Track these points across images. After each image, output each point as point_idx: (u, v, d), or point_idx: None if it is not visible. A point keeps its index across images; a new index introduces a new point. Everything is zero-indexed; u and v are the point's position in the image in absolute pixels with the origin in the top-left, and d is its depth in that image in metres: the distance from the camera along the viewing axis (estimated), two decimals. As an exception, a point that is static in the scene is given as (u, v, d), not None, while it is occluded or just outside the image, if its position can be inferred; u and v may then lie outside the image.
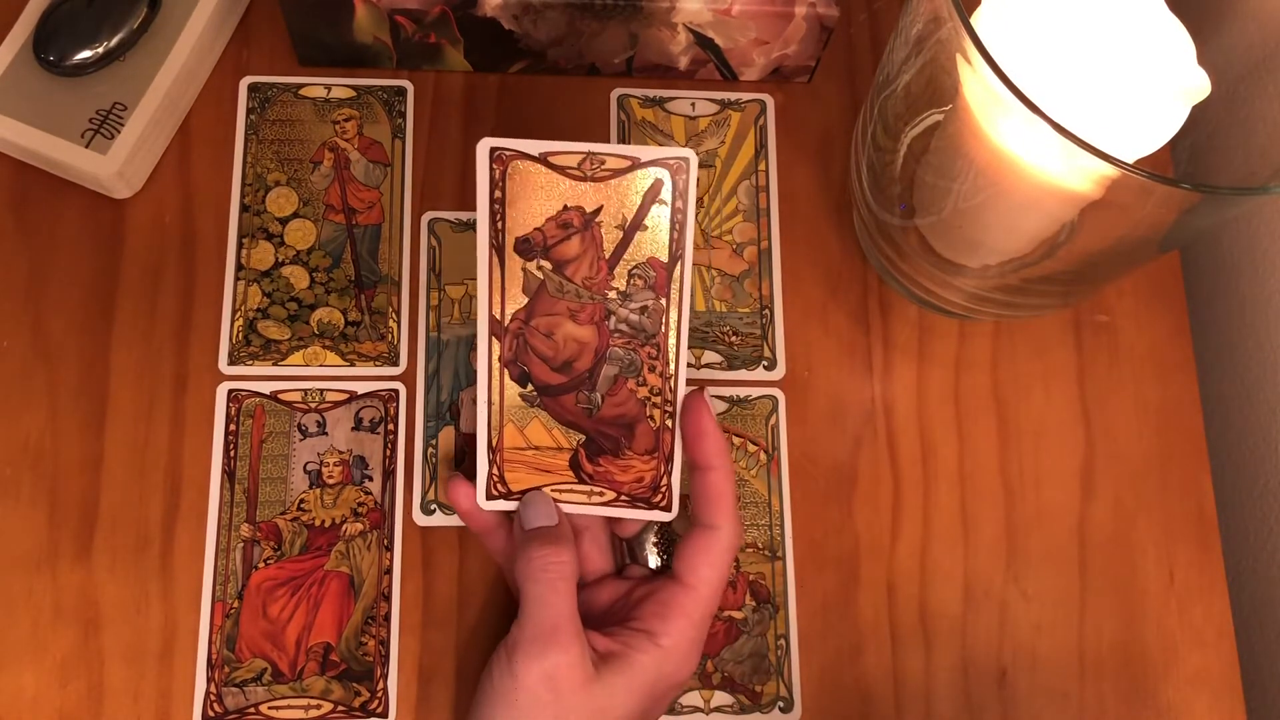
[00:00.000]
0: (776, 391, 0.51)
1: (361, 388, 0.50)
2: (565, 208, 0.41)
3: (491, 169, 0.40)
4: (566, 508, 0.44)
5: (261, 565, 0.47)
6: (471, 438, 0.49)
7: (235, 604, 0.47)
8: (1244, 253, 0.57)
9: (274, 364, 0.49)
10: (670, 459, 0.43)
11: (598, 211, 0.41)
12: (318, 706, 0.46)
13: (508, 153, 0.40)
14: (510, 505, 0.44)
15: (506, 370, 0.42)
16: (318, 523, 0.48)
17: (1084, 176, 0.36)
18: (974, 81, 0.38)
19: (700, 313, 0.52)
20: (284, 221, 0.51)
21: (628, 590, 0.44)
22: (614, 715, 0.40)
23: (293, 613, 0.47)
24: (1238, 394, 0.58)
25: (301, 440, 0.49)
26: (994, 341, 0.53)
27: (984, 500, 0.51)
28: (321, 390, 0.49)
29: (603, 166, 0.40)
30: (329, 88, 0.54)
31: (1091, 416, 0.52)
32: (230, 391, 0.49)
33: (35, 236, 0.51)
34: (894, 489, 0.50)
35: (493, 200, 0.40)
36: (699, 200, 0.53)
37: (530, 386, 0.43)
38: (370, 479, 0.48)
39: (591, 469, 0.43)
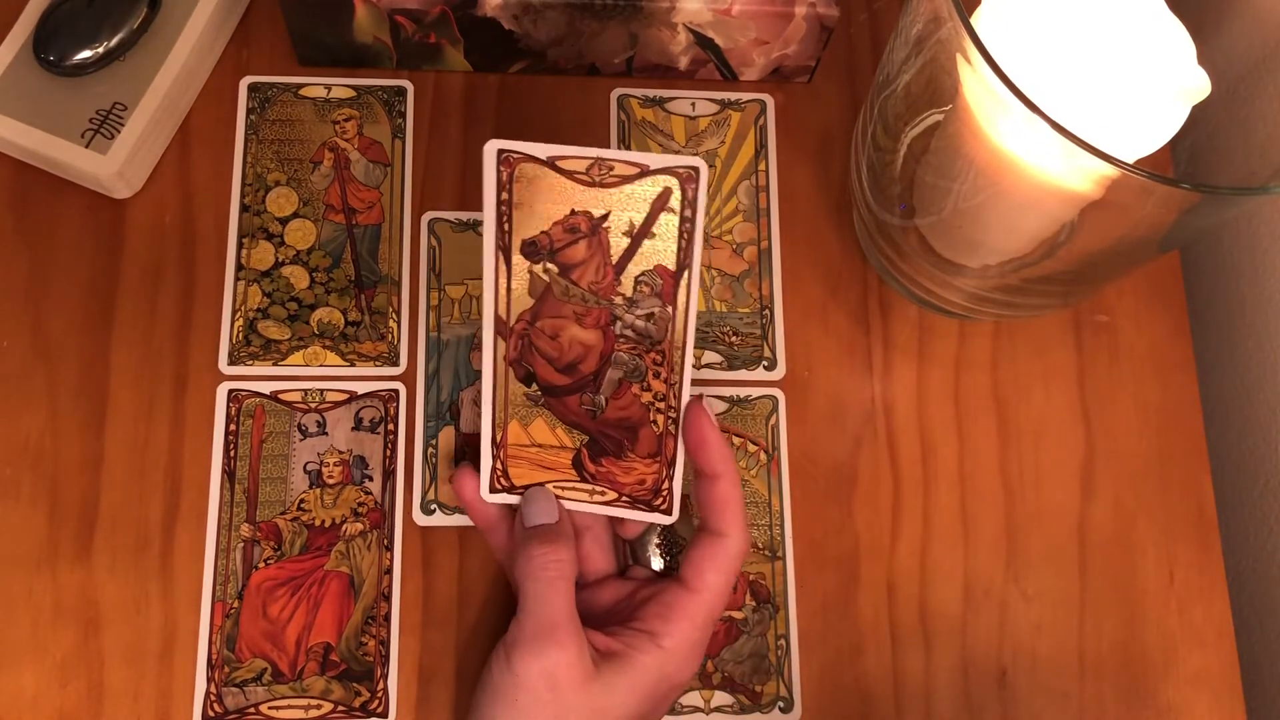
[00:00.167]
0: (776, 391, 0.51)
1: (361, 388, 0.50)
2: (572, 212, 0.41)
3: (499, 171, 0.40)
4: (568, 505, 0.44)
5: (261, 565, 0.47)
6: (471, 437, 0.49)
7: (235, 604, 0.47)
8: (1244, 253, 0.57)
9: (274, 364, 0.49)
10: (672, 463, 0.43)
11: (605, 217, 0.41)
12: (318, 706, 0.46)
13: (515, 155, 0.40)
14: (513, 499, 0.44)
15: (512, 369, 0.43)
16: (318, 523, 0.48)
17: (1084, 176, 0.36)
18: (974, 81, 0.38)
19: (700, 313, 0.52)
20: (284, 221, 0.51)
21: (631, 591, 0.44)
22: (614, 714, 0.40)
23: (293, 613, 0.47)
24: (1238, 394, 0.58)
25: (301, 440, 0.49)
26: (994, 341, 0.53)
27: (984, 500, 0.51)
28: (321, 390, 0.49)
29: (611, 173, 0.40)
30: (329, 88, 0.54)
31: (1091, 416, 0.52)
32: (230, 391, 0.49)
33: (35, 236, 0.51)
34: (894, 489, 0.50)
35: (499, 202, 0.40)
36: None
37: (535, 386, 0.43)
38: (370, 479, 0.48)
39: (594, 469, 0.43)
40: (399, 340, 0.50)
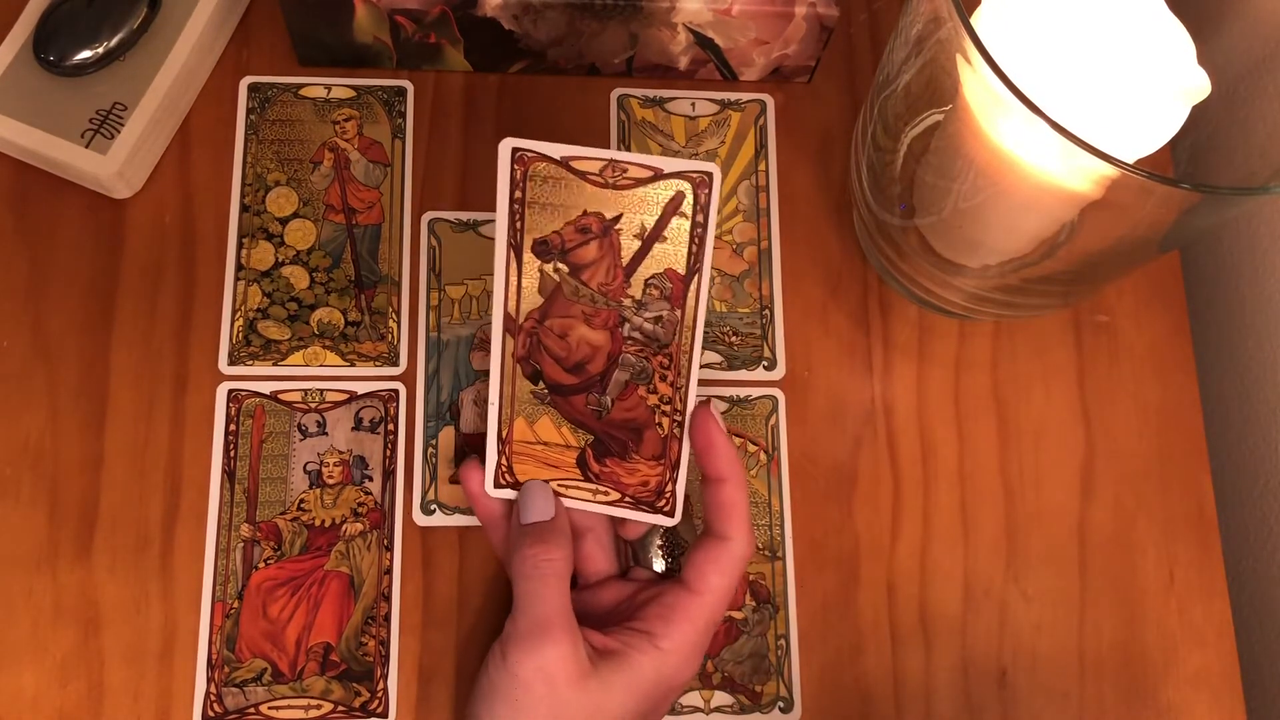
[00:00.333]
0: (776, 391, 0.51)
1: (361, 388, 0.50)
2: (585, 213, 0.41)
3: (513, 169, 0.40)
4: (571, 504, 0.44)
5: (261, 565, 0.47)
6: (471, 437, 0.49)
7: (235, 604, 0.47)
8: (1244, 253, 0.57)
9: (274, 364, 0.49)
10: (676, 466, 0.43)
11: (617, 219, 0.41)
12: (318, 706, 0.46)
13: (530, 154, 0.40)
14: (516, 495, 0.44)
15: (519, 366, 0.43)
16: (318, 523, 0.48)
17: (1084, 176, 0.36)
18: (974, 81, 0.38)
19: (700, 313, 0.52)
20: (284, 221, 0.51)
21: (632, 593, 0.44)
22: (611, 712, 0.40)
23: (293, 613, 0.47)
24: (1238, 394, 0.58)
25: (301, 440, 0.49)
26: (994, 341, 0.53)
27: (984, 500, 0.51)
28: (321, 390, 0.49)
29: (624, 175, 0.40)
30: (329, 88, 0.54)
31: (1091, 416, 0.52)
32: (230, 391, 0.49)
33: (35, 236, 0.51)
34: (894, 489, 0.50)
35: (513, 200, 0.40)
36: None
37: (541, 384, 0.43)
38: (370, 479, 0.48)
39: (598, 469, 0.43)
40: (399, 340, 0.50)
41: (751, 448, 0.50)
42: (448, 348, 0.50)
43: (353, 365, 0.50)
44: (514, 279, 0.41)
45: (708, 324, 0.52)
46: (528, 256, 0.41)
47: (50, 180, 0.51)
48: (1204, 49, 0.42)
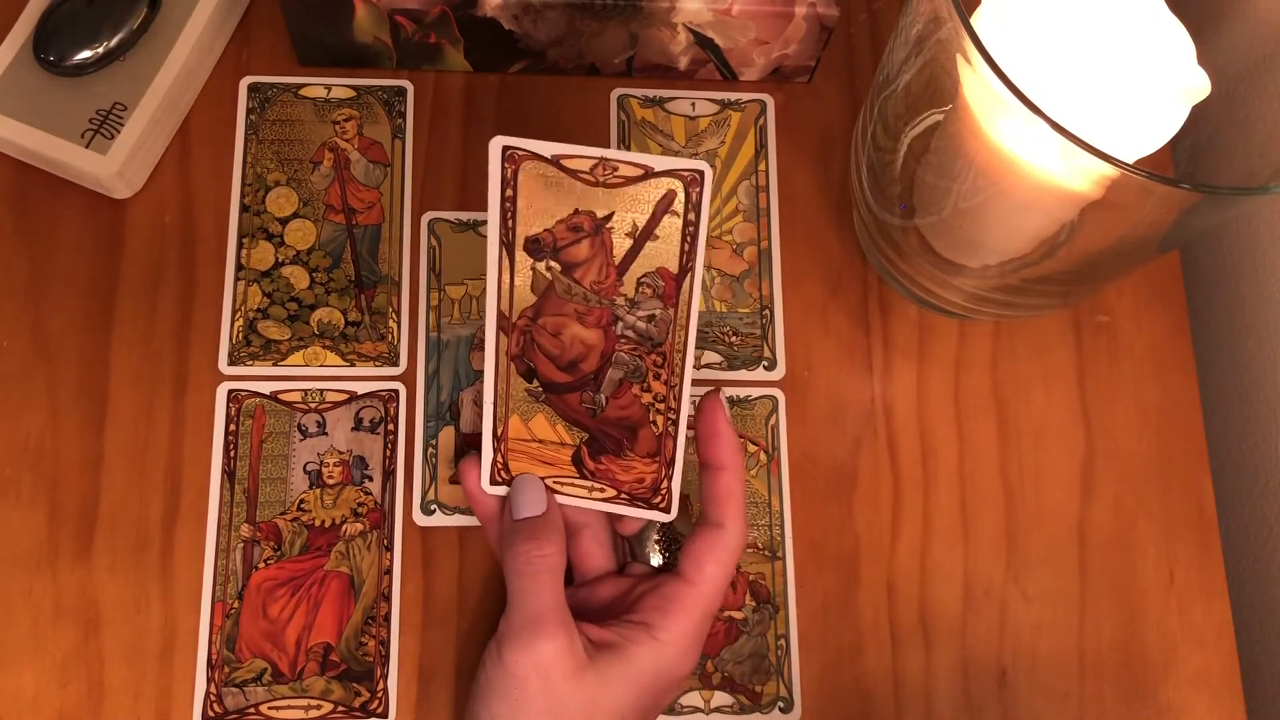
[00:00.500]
0: (776, 391, 0.51)
1: (361, 388, 0.50)
2: (576, 211, 0.41)
3: (504, 168, 0.40)
4: (567, 500, 0.44)
5: (261, 565, 0.47)
6: (471, 437, 0.49)
7: (235, 604, 0.47)
8: (1244, 253, 0.57)
9: (274, 364, 0.49)
10: (672, 463, 0.43)
11: (608, 218, 0.41)
12: (318, 707, 0.46)
13: (520, 152, 0.40)
14: None
15: (513, 364, 0.43)
16: (318, 523, 0.48)
17: (1084, 176, 0.36)
18: (974, 81, 0.38)
19: (700, 313, 0.52)
20: (284, 221, 0.51)
21: (629, 587, 0.44)
22: (608, 705, 0.40)
23: (293, 613, 0.47)
24: (1238, 394, 0.58)
25: (301, 440, 0.49)
26: (994, 341, 0.53)
27: (984, 500, 0.51)
28: (321, 390, 0.49)
29: (616, 173, 0.40)
30: (329, 88, 0.54)
31: (1091, 416, 0.52)
32: (230, 392, 0.49)
33: (35, 236, 0.51)
34: (894, 489, 0.50)
35: (504, 199, 0.40)
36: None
37: (536, 382, 0.43)
38: (370, 479, 0.48)
39: (593, 466, 0.43)
40: (399, 340, 0.50)
41: (751, 448, 0.50)
42: (448, 348, 0.50)
43: (353, 365, 0.50)
44: (506, 277, 0.41)
45: (708, 324, 0.52)
46: (520, 255, 0.41)
47: (50, 180, 0.51)
48: (1204, 49, 0.42)
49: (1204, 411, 0.53)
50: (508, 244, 0.41)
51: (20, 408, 0.48)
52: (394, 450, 0.49)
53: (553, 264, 0.41)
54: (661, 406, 0.43)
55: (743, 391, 0.51)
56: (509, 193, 0.40)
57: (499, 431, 0.43)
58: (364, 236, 0.52)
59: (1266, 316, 0.56)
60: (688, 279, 0.41)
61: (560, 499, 0.44)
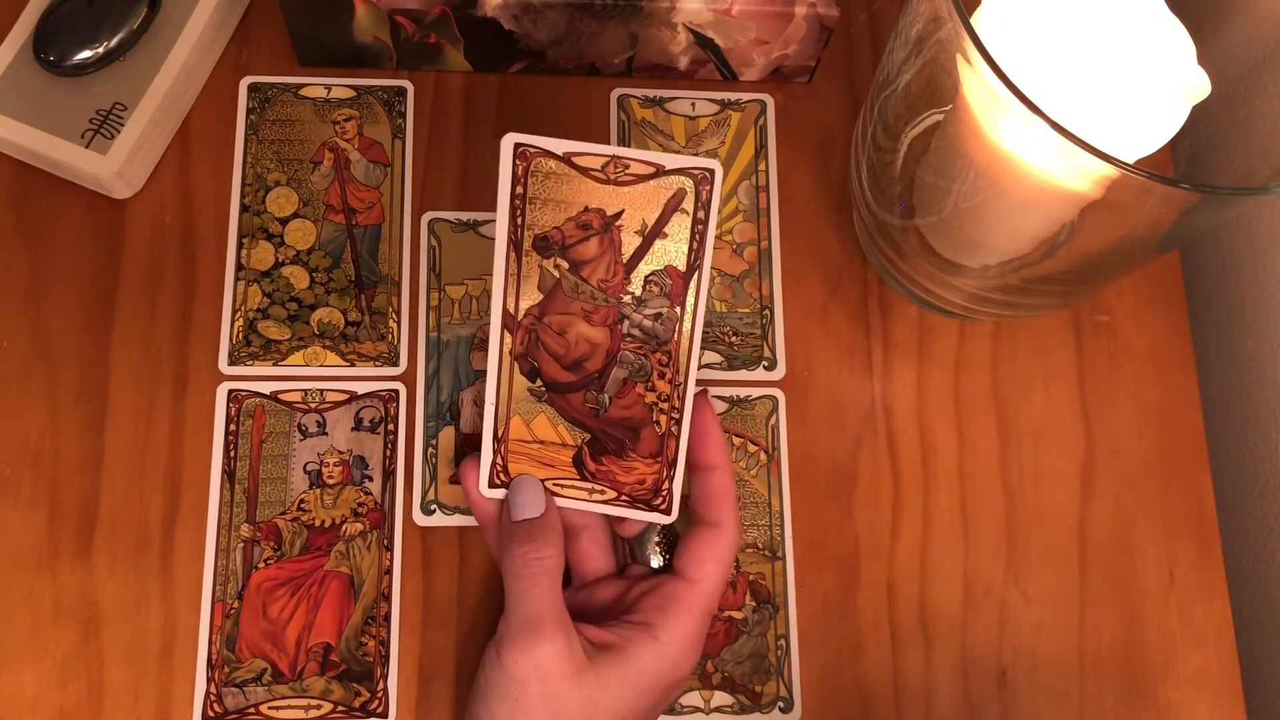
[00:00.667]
0: (776, 391, 0.51)
1: (361, 388, 0.50)
2: (586, 209, 0.41)
3: (515, 164, 0.40)
4: (566, 503, 0.44)
5: (261, 565, 0.47)
6: (471, 437, 0.49)
7: (235, 604, 0.47)
8: (1244, 253, 0.57)
9: (274, 364, 0.49)
10: (673, 464, 0.43)
11: (618, 215, 0.41)
12: (318, 707, 0.46)
13: (532, 150, 0.40)
14: None
15: (517, 364, 0.43)
16: (318, 523, 0.48)
17: (1084, 176, 0.36)
18: (974, 81, 0.38)
19: (700, 313, 0.52)
20: (284, 221, 0.51)
21: (628, 588, 0.44)
22: (607, 706, 0.40)
23: (293, 613, 0.47)
24: (1238, 394, 0.58)
25: (301, 440, 0.49)
26: (994, 341, 0.53)
27: (984, 500, 0.51)
28: (321, 390, 0.49)
29: (626, 171, 0.40)
30: (329, 88, 0.54)
31: (1091, 416, 0.52)
32: (230, 391, 0.49)
33: (35, 236, 0.51)
34: (894, 489, 0.50)
35: (514, 196, 0.40)
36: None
37: (539, 382, 0.43)
38: (370, 479, 0.48)
39: (594, 467, 0.43)
40: (399, 340, 0.50)
41: (751, 448, 0.50)
42: (448, 348, 0.50)
43: (353, 365, 0.50)
44: (514, 275, 0.41)
45: (708, 324, 0.52)
46: (528, 252, 0.41)
47: (50, 180, 0.51)
48: (1204, 49, 0.42)
49: (1204, 411, 0.53)
50: (516, 241, 0.41)
51: (20, 408, 0.48)
52: (394, 450, 0.49)
53: (561, 262, 0.41)
54: (665, 406, 0.43)
55: (743, 391, 0.51)
56: (519, 190, 0.40)
57: (499, 432, 0.43)
58: (364, 236, 0.52)
59: (1266, 316, 0.56)
60: (695, 277, 0.41)
61: (560, 502, 0.44)
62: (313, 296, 0.50)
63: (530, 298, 0.42)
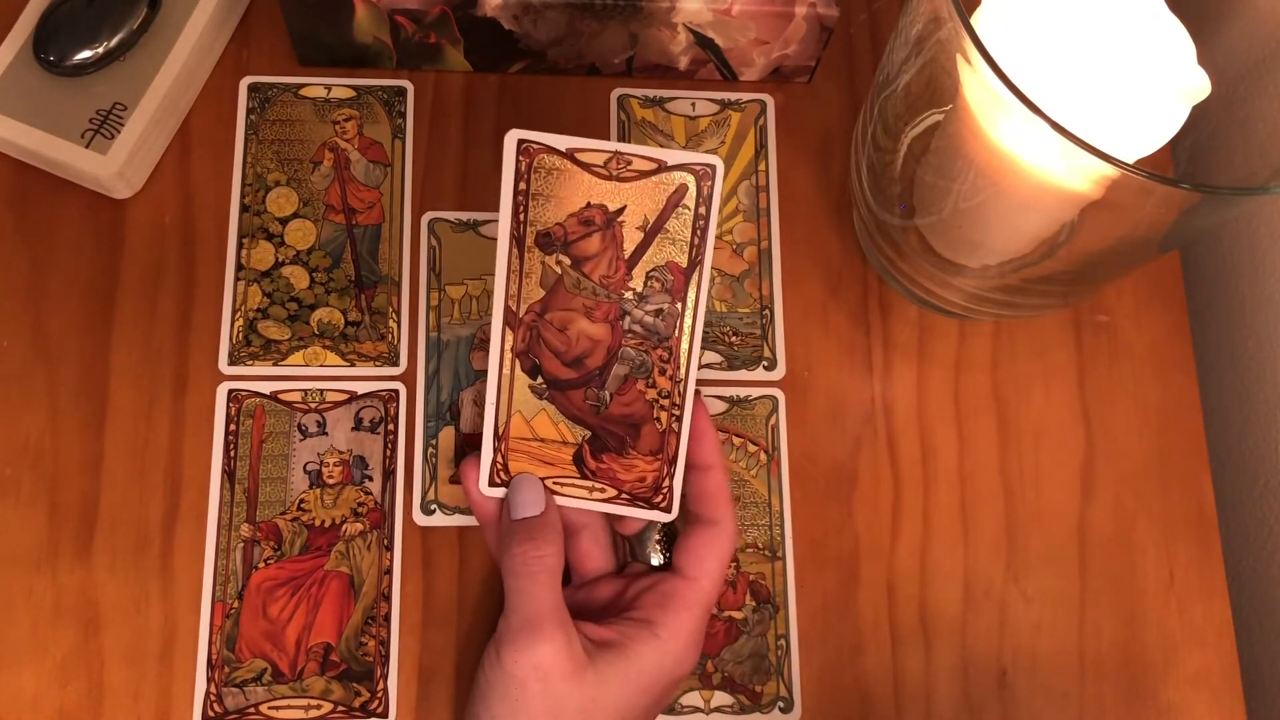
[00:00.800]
0: (776, 391, 0.51)
1: (361, 388, 0.50)
2: (588, 205, 0.41)
3: (518, 161, 0.40)
4: (566, 502, 0.44)
5: (261, 565, 0.47)
6: (471, 437, 0.49)
7: (235, 604, 0.47)
8: (1244, 253, 0.57)
9: (274, 364, 0.49)
10: (674, 461, 0.43)
11: (620, 211, 0.41)
12: (318, 706, 0.46)
13: (535, 146, 0.40)
14: None
15: (518, 361, 0.43)
16: (318, 523, 0.48)
17: (1084, 176, 0.36)
18: (974, 81, 0.38)
19: (700, 313, 0.52)
20: (284, 221, 0.51)
21: (627, 586, 0.44)
22: (607, 704, 0.40)
23: (293, 613, 0.47)
24: (1238, 394, 0.58)
25: (301, 440, 0.49)
26: (994, 341, 0.53)
27: (984, 500, 0.51)
28: (321, 390, 0.49)
29: (629, 167, 0.40)
30: (329, 88, 0.54)
31: (1091, 416, 0.52)
32: (230, 391, 0.49)
33: (35, 236, 0.51)
34: (894, 489, 0.50)
35: (517, 192, 0.41)
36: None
37: (540, 379, 0.43)
38: (370, 479, 0.48)
39: (595, 465, 0.43)
40: (399, 340, 0.50)
41: (751, 448, 0.50)
42: (448, 348, 0.50)
43: (353, 365, 0.50)
44: (516, 272, 0.42)
45: (708, 324, 0.52)
46: (530, 249, 0.41)
47: (50, 180, 0.51)
48: (1204, 49, 0.42)
49: (1204, 411, 0.53)
50: (518, 237, 0.41)
51: (20, 408, 0.48)
52: (394, 450, 0.49)
53: (563, 258, 0.41)
54: (665, 403, 0.43)
55: (743, 391, 0.51)
56: (522, 186, 0.40)
57: (500, 430, 0.43)
58: (364, 236, 0.52)
59: (1266, 316, 0.56)
60: (696, 273, 0.41)
61: (560, 500, 0.44)
62: (313, 296, 0.50)
63: (532, 294, 0.42)
